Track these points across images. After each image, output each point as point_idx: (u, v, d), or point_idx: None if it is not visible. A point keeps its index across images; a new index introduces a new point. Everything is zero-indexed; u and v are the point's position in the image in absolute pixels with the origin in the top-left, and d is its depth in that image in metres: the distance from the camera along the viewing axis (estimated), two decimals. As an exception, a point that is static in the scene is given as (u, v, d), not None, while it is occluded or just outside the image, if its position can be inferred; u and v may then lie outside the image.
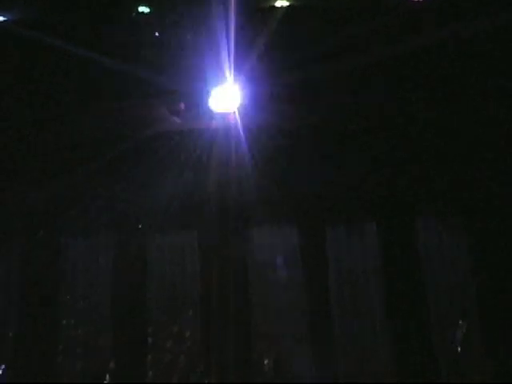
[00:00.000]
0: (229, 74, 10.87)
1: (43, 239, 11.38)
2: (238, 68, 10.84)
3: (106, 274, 11.55)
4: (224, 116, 11.26)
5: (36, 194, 11.27)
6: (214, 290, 11.44)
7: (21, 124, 11.23)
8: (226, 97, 11.01)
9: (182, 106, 11.25)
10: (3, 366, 10.94)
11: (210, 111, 11.17)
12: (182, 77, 10.75)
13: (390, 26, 10.59)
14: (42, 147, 11.34)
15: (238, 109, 11.15)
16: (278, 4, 10.73)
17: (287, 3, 10.70)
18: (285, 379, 11.26)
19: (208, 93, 10.97)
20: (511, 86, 10.90)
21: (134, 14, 10.61)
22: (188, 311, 11.49)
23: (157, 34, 10.81)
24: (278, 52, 10.80)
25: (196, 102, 11.10)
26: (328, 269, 11.87)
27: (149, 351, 11.23)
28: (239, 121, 11.33)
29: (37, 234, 11.41)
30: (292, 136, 11.51)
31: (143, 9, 10.57)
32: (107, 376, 11.03)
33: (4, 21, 10.58)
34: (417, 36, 10.43)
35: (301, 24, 10.79)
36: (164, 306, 11.52)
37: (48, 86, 11.19)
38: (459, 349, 11.39)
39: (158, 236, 11.79)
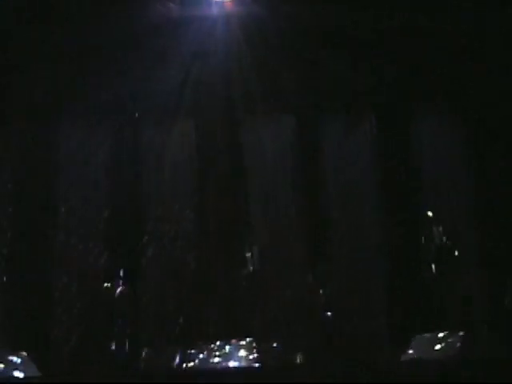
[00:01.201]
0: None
1: (41, 126, 11.40)
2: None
3: (103, 161, 11.60)
4: (222, 4, 11.15)
5: (35, 82, 11.26)
6: (209, 176, 11.61)
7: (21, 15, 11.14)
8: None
9: (179, -8, 11.11)
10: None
11: (208, -2, 11.03)
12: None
13: None
14: (42, 39, 11.24)
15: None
16: None
17: None
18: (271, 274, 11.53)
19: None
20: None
21: None
22: (184, 196, 11.62)
23: None
24: None
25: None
26: (323, 157, 11.97)
27: (145, 234, 11.40)
28: (237, 9, 11.24)
29: (35, 121, 11.44)
30: (292, 24, 11.33)
31: None
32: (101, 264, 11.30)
33: None
34: None
35: None
36: (159, 192, 11.63)
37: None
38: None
39: (154, 124, 11.81)
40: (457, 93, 11.85)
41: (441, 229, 11.58)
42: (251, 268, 11.27)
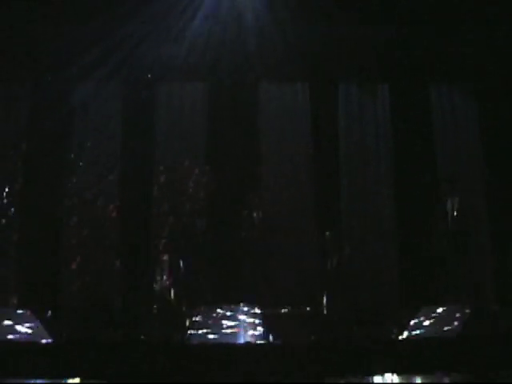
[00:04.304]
0: None
1: (53, 82, 11.34)
2: None
3: (116, 119, 11.63)
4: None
5: (48, 37, 11.21)
6: (222, 139, 11.58)
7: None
8: None
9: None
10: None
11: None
12: None
13: None
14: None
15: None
16: None
17: None
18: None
19: None
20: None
21: None
22: (195, 156, 11.63)
23: None
24: None
25: None
26: (338, 126, 11.92)
27: (155, 191, 11.50)
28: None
29: (46, 77, 11.40)
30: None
31: None
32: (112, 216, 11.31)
33: None
34: None
35: None
36: (171, 150, 11.65)
37: None
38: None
39: (167, 85, 11.81)
40: (471, 63, 11.71)
41: (455, 201, 11.51)
42: (260, 232, 11.27)
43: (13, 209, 11.25)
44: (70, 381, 7.04)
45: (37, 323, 8.57)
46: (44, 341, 8.23)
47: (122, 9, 10.83)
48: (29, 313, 8.73)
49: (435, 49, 11.70)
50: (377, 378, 7.20)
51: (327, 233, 11.36)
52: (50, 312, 9.90)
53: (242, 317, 8.49)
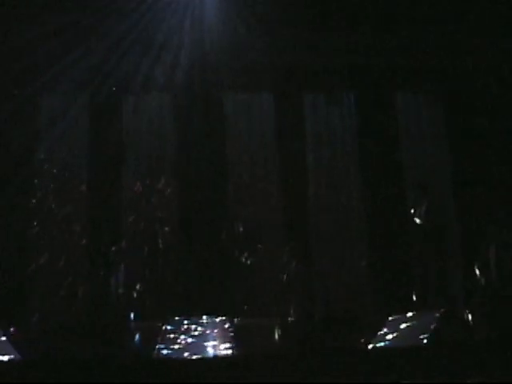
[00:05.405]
0: None
1: (21, 98, 11.25)
2: None
3: (83, 132, 11.58)
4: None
5: (13, 54, 11.08)
6: (189, 150, 11.51)
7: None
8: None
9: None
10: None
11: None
12: None
13: None
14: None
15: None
16: None
17: None
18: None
19: None
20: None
21: None
22: (163, 168, 11.60)
23: None
24: None
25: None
26: (305, 135, 11.94)
27: (124, 205, 11.41)
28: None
29: (14, 92, 11.28)
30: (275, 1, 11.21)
31: None
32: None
33: None
34: None
35: None
36: (139, 161, 11.62)
37: None
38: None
39: (133, 97, 11.75)
40: (435, 71, 11.88)
41: (424, 206, 11.50)
42: (230, 241, 11.21)
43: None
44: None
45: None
46: (8, 357, 8.06)
47: (89, 22, 10.78)
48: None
49: (401, 57, 11.78)
50: None
51: (298, 242, 11.31)
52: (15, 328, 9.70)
53: (211, 329, 8.37)
